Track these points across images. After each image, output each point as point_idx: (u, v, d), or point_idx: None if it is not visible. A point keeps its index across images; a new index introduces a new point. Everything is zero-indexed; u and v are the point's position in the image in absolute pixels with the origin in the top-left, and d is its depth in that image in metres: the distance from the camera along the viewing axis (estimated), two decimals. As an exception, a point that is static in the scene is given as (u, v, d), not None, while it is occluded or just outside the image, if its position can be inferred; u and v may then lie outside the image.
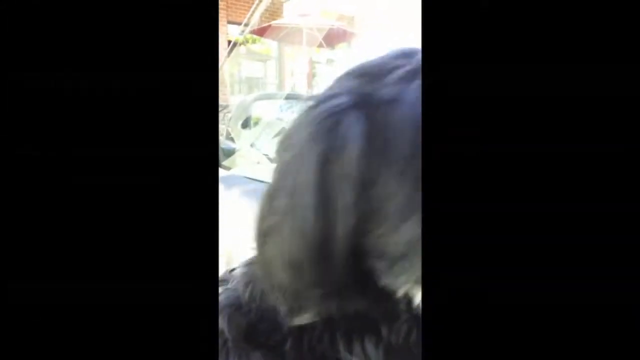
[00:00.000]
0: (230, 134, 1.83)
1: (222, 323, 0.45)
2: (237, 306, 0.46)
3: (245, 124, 1.82)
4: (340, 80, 0.38)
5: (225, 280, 0.50)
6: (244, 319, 0.45)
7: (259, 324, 0.44)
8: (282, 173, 0.37)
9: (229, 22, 6.91)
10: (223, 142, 1.62)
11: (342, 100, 0.35)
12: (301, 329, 0.42)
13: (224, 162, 1.54)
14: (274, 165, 0.39)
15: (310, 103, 0.36)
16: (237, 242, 1.10)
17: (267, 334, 0.44)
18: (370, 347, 0.40)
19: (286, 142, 0.37)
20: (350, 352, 0.41)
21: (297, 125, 0.37)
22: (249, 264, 0.48)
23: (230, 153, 1.60)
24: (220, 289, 0.49)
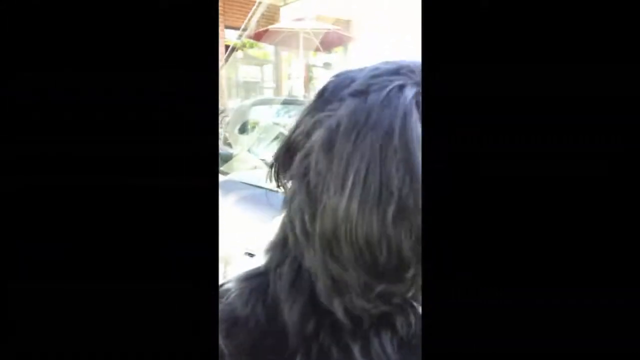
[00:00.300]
0: (227, 139, 1.83)
1: (220, 339, 0.44)
2: (233, 321, 0.45)
3: (243, 129, 1.82)
4: (392, 75, 0.41)
5: (219, 297, 0.49)
6: (246, 336, 0.44)
7: (263, 340, 0.44)
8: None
9: (226, 27, 6.93)
10: (220, 147, 1.62)
11: (417, 89, 0.39)
12: (309, 341, 0.42)
13: (222, 167, 1.53)
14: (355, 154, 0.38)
15: (388, 93, 0.39)
16: (234, 248, 1.10)
17: (274, 350, 0.43)
18: (387, 343, 0.41)
19: (366, 127, 0.39)
20: (368, 354, 0.40)
21: (363, 115, 0.39)
22: (248, 278, 0.48)
23: (227, 158, 1.60)
24: None
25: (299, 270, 0.43)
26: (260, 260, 0.48)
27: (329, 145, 0.39)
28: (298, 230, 0.41)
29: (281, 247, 0.45)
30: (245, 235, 1.08)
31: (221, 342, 0.44)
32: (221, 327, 0.44)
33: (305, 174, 0.41)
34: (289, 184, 0.44)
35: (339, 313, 0.40)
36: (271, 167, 0.51)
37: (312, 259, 0.41)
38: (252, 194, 1.22)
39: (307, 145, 0.42)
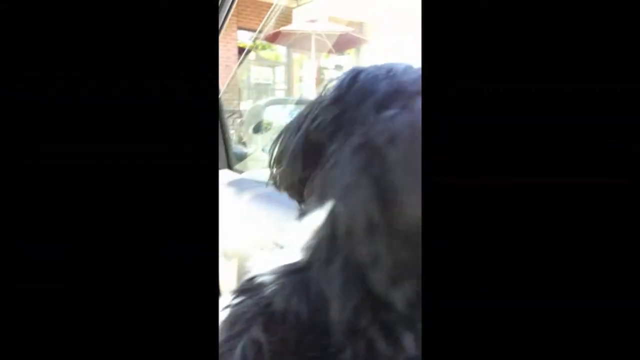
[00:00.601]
0: (242, 139, 1.86)
1: (257, 333, 0.43)
2: (271, 316, 0.44)
3: (257, 129, 1.84)
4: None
5: (251, 290, 0.47)
6: (286, 331, 0.43)
7: (304, 336, 0.43)
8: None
9: (239, 28, 6.96)
10: (235, 147, 1.64)
11: None
12: (358, 336, 0.41)
13: (236, 166, 1.55)
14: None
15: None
16: (248, 244, 1.11)
17: (315, 346, 0.42)
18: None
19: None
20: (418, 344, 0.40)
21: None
22: (287, 273, 0.46)
23: (242, 157, 1.62)
24: (241, 298, 0.47)
25: (351, 266, 0.42)
26: (292, 257, 0.47)
27: (401, 139, 0.40)
28: (360, 224, 0.41)
29: (328, 243, 0.44)
30: (259, 232, 1.10)
31: (259, 336, 0.43)
32: (258, 320, 0.44)
33: (365, 168, 0.41)
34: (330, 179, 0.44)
35: (399, 304, 0.40)
36: (281, 163, 0.50)
37: (373, 252, 0.41)
38: (266, 192, 1.23)
39: (358, 140, 0.42)
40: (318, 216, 0.46)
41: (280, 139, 0.53)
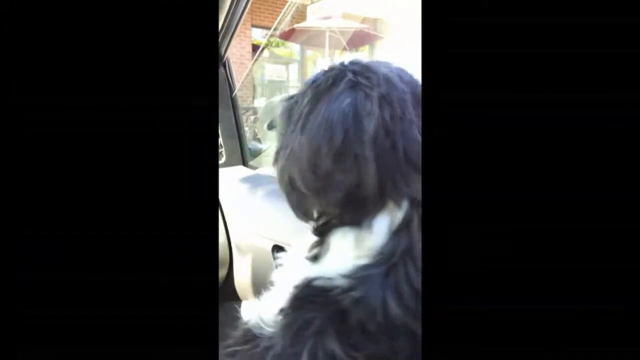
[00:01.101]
0: (257, 135, 1.88)
1: (331, 343, 0.40)
2: (343, 325, 0.41)
3: (271, 126, 1.85)
4: None
5: (315, 295, 0.44)
6: (376, 345, 0.40)
7: (397, 343, 0.40)
8: None
9: (254, 26, 6.98)
10: (250, 143, 1.66)
11: None
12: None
13: (251, 162, 1.57)
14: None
15: None
16: (263, 240, 1.13)
17: (411, 354, 0.40)
18: None
19: None
20: None
21: None
22: (364, 280, 0.42)
23: (256, 153, 1.63)
24: (300, 302, 0.44)
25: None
26: (363, 260, 0.44)
27: None
28: None
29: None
30: (274, 228, 1.11)
31: (334, 347, 0.40)
32: (329, 329, 0.41)
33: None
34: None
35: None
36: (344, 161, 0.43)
37: None
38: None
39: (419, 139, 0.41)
40: (395, 215, 0.43)
41: (335, 128, 0.43)
